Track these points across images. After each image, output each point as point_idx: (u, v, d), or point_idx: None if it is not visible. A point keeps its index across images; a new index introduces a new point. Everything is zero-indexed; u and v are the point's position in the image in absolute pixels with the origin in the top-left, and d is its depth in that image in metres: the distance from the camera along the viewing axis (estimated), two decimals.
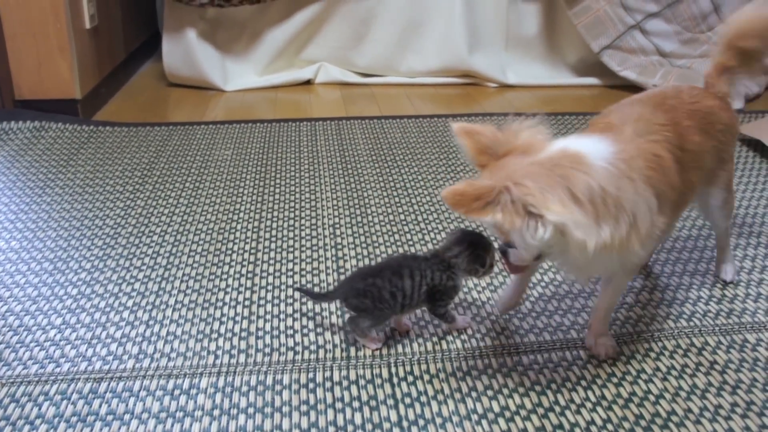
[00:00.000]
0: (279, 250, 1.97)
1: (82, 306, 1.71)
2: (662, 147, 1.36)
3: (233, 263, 1.91)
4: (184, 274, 1.85)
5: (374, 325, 1.53)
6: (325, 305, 1.70)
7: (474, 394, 1.40)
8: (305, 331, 1.61)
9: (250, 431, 1.31)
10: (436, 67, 3.74)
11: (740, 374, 1.47)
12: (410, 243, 2.01)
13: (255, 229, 2.09)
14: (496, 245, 1.48)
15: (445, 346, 1.55)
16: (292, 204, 2.26)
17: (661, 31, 3.70)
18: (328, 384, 1.43)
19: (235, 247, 1.99)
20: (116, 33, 3.65)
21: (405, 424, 1.32)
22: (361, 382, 1.44)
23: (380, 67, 3.78)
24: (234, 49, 3.69)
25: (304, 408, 1.37)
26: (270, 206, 2.24)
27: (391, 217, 2.17)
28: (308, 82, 3.78)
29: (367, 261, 1.91)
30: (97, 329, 1.62)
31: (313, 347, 1.55)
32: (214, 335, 1.60)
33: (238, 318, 1.66)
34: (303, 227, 2.10)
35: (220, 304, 1.72)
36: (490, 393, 1.41)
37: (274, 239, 2.03)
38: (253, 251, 1.97)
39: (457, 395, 1.40)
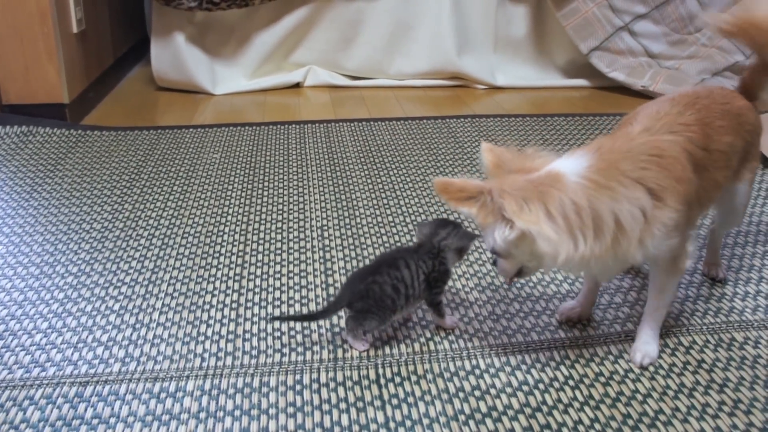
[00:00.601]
0: (267, 252, 1.97)
1: (69, 310, 1.70)
2: (674, 144, 1.39)
3: (221, 266, 1.90)
4: (171, 278, 1.84)
5: (380, 325, 1.53)
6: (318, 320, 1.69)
7: (461, 394, 1.40)
8: (292, 333, 1.60)
9: None
10: (425, 69, 3.74)
11: (727, 373, 1.47)
12: (399, 244, 2.01)
13: (243, 232, 2.09)
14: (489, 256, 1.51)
15: (432, 347, 1.55)
16: (280, 206, 2.25)
17: (650, 32, 3.71)
18: (315, 386, 1.43)
19: (223, 250, 1.98)
20: (104, 37, 3.64)
21: (392, 425, 1.32)
22: (348, 383, 1.43)
23: (369, 69, 3.78)
24: (223, 53, 3.69)
25: (290, 410, 1.36)
26: (258, 209, 2.24)
27: (379, 218, 2.17)
28: (297, 86, 3.78)
29: (355, 263, 1.91)
30: (83, 333, 1.61)
31: (300, 349, 1.54)
32: (201, 338, 1.59)
33: (225, 320, 1.65)
34: (291, 229, 2.10)
35: (207, 306, 1.71)
36: (477, 393, 1.40)
37: (261, 242, 2.03)
38: (240, 254, 1.96)
39: (444, 396, 1.39)
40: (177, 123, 3.15)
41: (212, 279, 1.84)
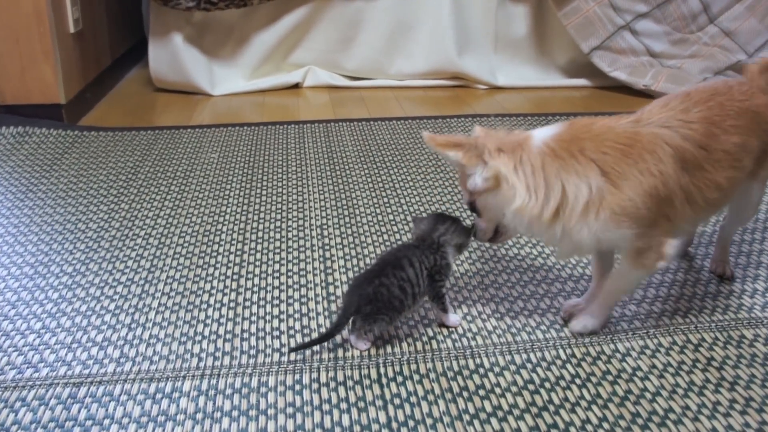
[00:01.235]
0: (265, 251, 1.93)
1: (63, 310, 1.66)
2: (657, 138, 1.40)
3: (218, 265, 1.86)
4: (168, 277, 1.81)
5: (389, 326, 1.50)
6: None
7: (465, 393, 1.36)
8: (291, 332, 1.57)
9: None
10: (425, 69, 3.70)
11: (738, 371, 1.43)
12: (399, 243, 1.97)
13: (241, 231, 2.05)
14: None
15: (435, 346, 1.51)
16: (279, 206, 2.22)
17: (651, 31, 3.68)
18: (314, 385, 1.39)
19: (221, 249, 1.95)
20: (102, 38, 3.61)
21: (394, 425, 1.28)
22: (349, 383, 1.40)
23: (369, 70, 3.74)
24: (221, 54, 3.65)
25: (290, 410, 1.32)
26: (256, 208, 2.20)
27: (379, 217, 2.13)
28: (296, 86, 3.74)
29: (355, 261, 1.87)
30: (77, 333, 1.57)
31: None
32: (198, 337, 1.55)
33: (222, 320, 1.62)
34: (290, 228, 2.06)
35: (204, 306, 1.68)
36: (481, 392, 1.37)
37: (260, 241, 1.99)
38: (238, 253, 1.92)
39: (448, 395, 1.36)
40: (175, 124, 3.11)
41: (209, 278, 1.80)
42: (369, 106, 3.40)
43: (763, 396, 1.36)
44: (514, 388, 1.38)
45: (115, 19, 3.86)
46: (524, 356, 1.48)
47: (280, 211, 2.18)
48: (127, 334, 1.57)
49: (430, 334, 1.55)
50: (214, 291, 1.74)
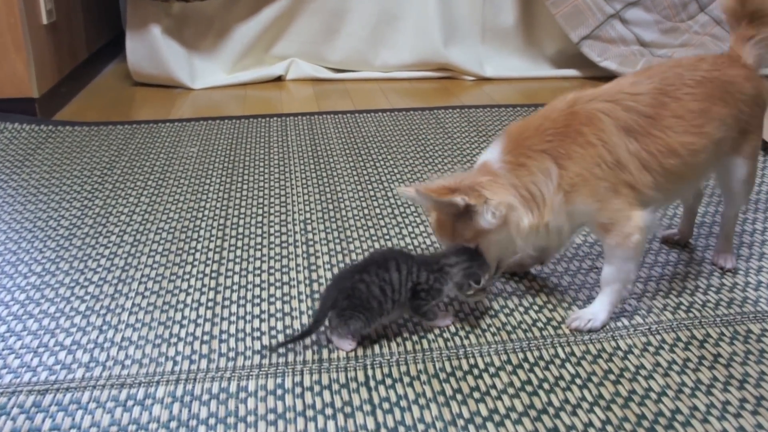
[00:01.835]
0: (246, 248, 1.84)
1: (30, 312, 1.56)
2: (595, 112, 1.43)
3: (196, 263, 1.77)
4: (143, 275, 1.71)
5: (365, 327, 1.40)
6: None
7: (459, 396, 1.27)
8: (273, 333, 1.47)
9: None
10: (411, 60, 3.61)
11: (747, 368, 1.35)
12: (386, 237, 1.88)
13: (220, 227, 1.96)
14: None
15: (426, 346, 1.42)
16: (261, 200, 2.12)
17: (641, 20, 3.60)
18: (297, 390, 1.30)
19: (199, 246, 1.85)
20: (77, 30, 3.50)
21: (383, 431, 1.19)
22: (335, 386, 1.30)
23: (353, 61, 3.65)
24: (201, 46, 3.55)
25: (271, 417, 1.23)
26: (237, 203, 2.11)
27: (366, 211, 2.04)
28: (279, 79, 3.64)
29: (340, 257, 1.78)
30: (44, 336, 1.47)
31: (281, 350, 1.41)
32: (174, 339, 1.46)
33: (200, 320, 1.52)
34: (272, 224, 1.97)
35: (181, 306, 1.58)
36: (476, 395, 1.28)
37: (240, 236, 1.90)
38: (218, 249, 1.83)
39: (441, 398, 1.27)
40: (153, 118, 3.01)
41: (187, 276, 1.70)
42: (354, 98, 3.30)
43: None
44: (510, 390, 1.29)
45: (92, 11, 3.75)
46: (521, 355, 1.39)
47: (261, 206, 2.09)
48: (97, 336, 1.47)
49: (421, 333, 1.46)
50: (191, 290, 1.64)
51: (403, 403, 1.26)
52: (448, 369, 1.35)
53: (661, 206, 1.69)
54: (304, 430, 1.20)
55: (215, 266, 1.75)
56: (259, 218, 2.00)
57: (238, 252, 1.81)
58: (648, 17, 3.61)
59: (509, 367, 1.35)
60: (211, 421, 1.22)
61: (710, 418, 1.22)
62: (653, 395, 1.28)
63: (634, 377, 1.33)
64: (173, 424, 1.22)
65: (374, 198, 2.12)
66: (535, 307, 1.56)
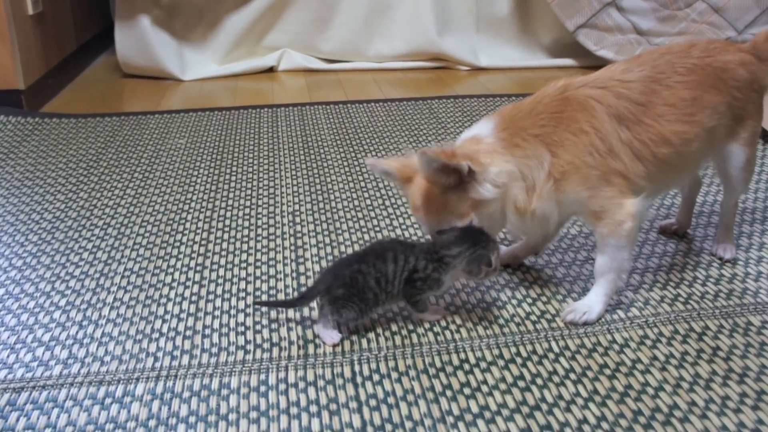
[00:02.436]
0: (232, 240, 1.79)
1: (8, 307, 1.51)
2: (587, 99, 1.39)
3: (181, 256, 1.72)
4: (125, 269, 1.66)
5: (358, 318, 1.36)
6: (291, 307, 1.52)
7: (449, 393, 1.23)
8: (258, 327, 1.43)
9: None
10: (404, 50, 3.56)
11: (746, 361, 1.31)
12: (377, 229, 1.83)
13: (207, 219, 1.91)
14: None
15: (415, 340, 1.37)
16: (249, 192, 2.07)
17: (638, 8, 3.55)
18: (282, 386, 1.25)
19: (184, 239, 1.80)
20: (65, 21, 3.44)
21: (370, 429, 1.15)
22: (320, 383, 1.26)
23: (346, 52, 3.60)
24: (191, 37, 3.50)
25: (253, 414, 1.19)
26: (225, 195, 2.06)
27: (356, 202, 1.99)
28: (271, 70, 3.59)
29: (329, 249, 1.73)
30: (22, 332, 1.43)
31: (266, 345, 1.37)
32: (155, 335, 1.41)
33: (183, 315, 1.48)
34: (260, 215, 1.92)
35: (164, 300, 1.53)
36: (467, 391, 1.23)
37: (227, 229, 1.85)
38: (203, 242, 1.78)
39: (430, 395, 1.22)
40: (142, 110, 2.96)
41: (171, 270, 1.66)
42: (346, 89, 3.25)
43: None
44: (502, 386, 1.24)
45: (81, 2, 3.69)
46: (513, 350, 1.35)
47: (249, 197, 2.04)
48: (77, 332, 1.42)
49: (410, 327, 1.41)
50: (175, 284, 1.60)
51: (391, 399, 1.21)
52: (438, 364, 1.30)
53: (654, 195, 1.65)
54: (288, 428, 1.15)
55: (200, 259, 1.70)
56: (247, 210, 1.95)
57: (224, 245, 1.77)
58: (645, 5, 3.56)
59: (501, 362, 1.31)
60: (192, 419, 1.18)
61: (709, 413, 1.17)
62: (650, 390, 1.23)
63: (631, 372, 1.28)
64: (152, 423, 1.17)
65: (365, 189, 2.08)
66: (529, 300, 1.51)
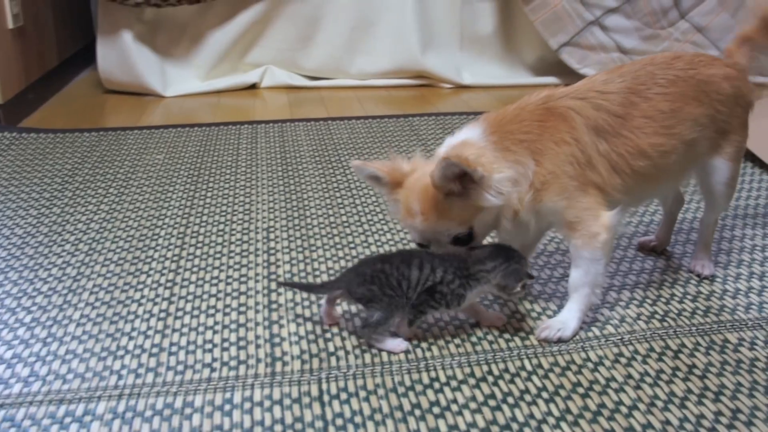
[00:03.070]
0: (205, 256, 1.76)
1: None
2: (567, 110, 1.38)
3: (152, 272, 1.69)
4: (94, 285, 1.63)
5: (385, 320, 1.33)
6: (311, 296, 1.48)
7: (417, 412, 1.20)
8: (225, 345, 1.40)
9: None
10: (387, 68, 3.55)
11: (722, 379, 1.29)
12: (352, 245, 1.81)
13: (180, 235, 1.88)
14: None
15: (385, 358, 1.34)
16: (224, 208, 2.05)
17: (621, 26, 3.55)
18: (246, 405, 1.22)
19: (156, 255, 1.77)
20: (47, 37, 3.42)
21: None
22: (286, 401, 1.23)
23: (329, 69, 3.58)
24: (174, 53, 3.48)
25: None
26: (199, 210, 2.03)
27: (331, 218, 1.97)
28: (254, 87, 3.57)
29: (302, 266, 1.70)
30: None
31: (233, 363, 1.34)
32: (121, 352, 1.38)
33: (150, 332, 1.44)
34: (234, 232, 1.89)
35: (131, 317, 1.50)
36: (436, 410, 1.20)
37: (200, 245, 1.82)
38: (175, 258, 1.75)
39: (398, 414, 1.19)
40: (121, 125, 2.93)
41: (141, 286, 1.63)
42: (329, 106, 3.23)
43: (752, 407, 1.21)
44: (472, 405, 1.22)
45: (63, 16, 3.67)
46: (485, 368, 1.32)
47: (224, 213, 2.01)
48: (40, 349, 1.39)
49: None
50: (144, 300, 1.57)
51: (358, 419, 1.18)
52: (408, 383, 1.27)
53: (631, 207, 1.63)
54: None
55: (171, 275, 1.67)
56: (221, 226, 1.93)
57: (197, 261, 1.74)
58: (628, 24, 3.56)
59: (472, 381, 1.28)
60: None
61: None
62: (624, 409, 1.21)
63: (604, 390, 1.26)
64: None
65: (341, 205, 2.05)
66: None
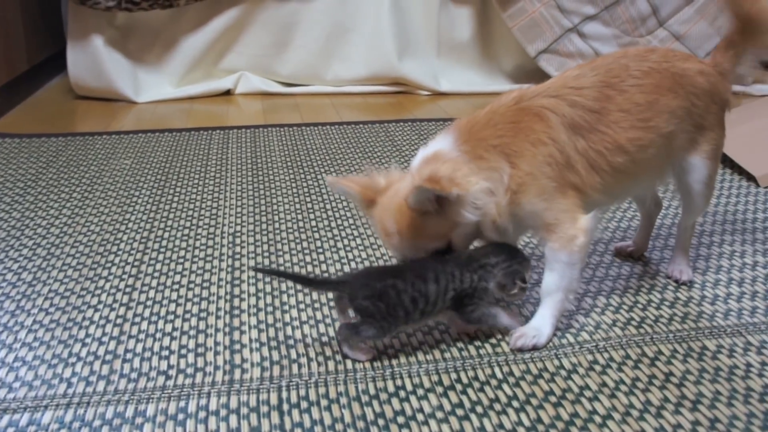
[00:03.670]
0: (167, 261, 1.70)
1: None
2: (541, 109, 1.34)
3: (111, 277, 1.62)
4: (50, 291, 1.56)
5: (377, 337, 1.28)
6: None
7: (381, 421, 1.14)
8: (183, 351, 1.33)
9: None
10: (364, 74, 3.50)
11: (700, 387, 1.23)
12: (320, 251, 1.75)
13: (143, 240, 1.81)
14: None
15: (349, 366, 1.28)
16: (190, 212, 1.98)
17: (600, 34, 3.52)
18: (201, 414, 1.16)
19: (117, 260, 1.71)
20: (16, 42, 3.34)
21: None
22: (243, 410, 1.17)
23: (305, 75, 3.53)
24: (146, 58, 3.41)
25: None
26: (164, 215, 1.97)
27: (300, 223, 1.91)
28: (228, 93, 3.51)
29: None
30: None
31: (189, 370, 1.27)
32: (72, 359, 1.31)
33: (105, 338, 1.38)
34: (199, 236, 1.83)
35: (86, 323, 1.44)
36: (400, 420, 1.14)
37: (163, 250, 1.76)
38: (136, 263, 1.69)
39: (360, 424, 1.13)
40: (90, 130, 2.86)
41: (99, 292, 1.56)
42: (303, 112, 3.18)
43: (730, 416, 1.16)
44: (439, 414, 1.16)
45: (34, 21, 3.59)
46: (453, 376, 1.26)
47: (190, 218, 1.95)
48: None
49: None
50: (100, 306, 1.50)
51: (318, 429, 1.12)
52: (372, 391, 1.21)
53: (607, 206, 1.59)
54: None
55: (131, 281, 1.60)
56: (186, 231, 1.86)
57: (158, 266, 1.67)
58: (606, 31, 3.53)
59: (440, 389, 1.22)
60: None
61: None
62: (597, 418, 1.15)
63: (578, 399, 1.20)
64: None
65: (311, 210, 1.99)
66: None
